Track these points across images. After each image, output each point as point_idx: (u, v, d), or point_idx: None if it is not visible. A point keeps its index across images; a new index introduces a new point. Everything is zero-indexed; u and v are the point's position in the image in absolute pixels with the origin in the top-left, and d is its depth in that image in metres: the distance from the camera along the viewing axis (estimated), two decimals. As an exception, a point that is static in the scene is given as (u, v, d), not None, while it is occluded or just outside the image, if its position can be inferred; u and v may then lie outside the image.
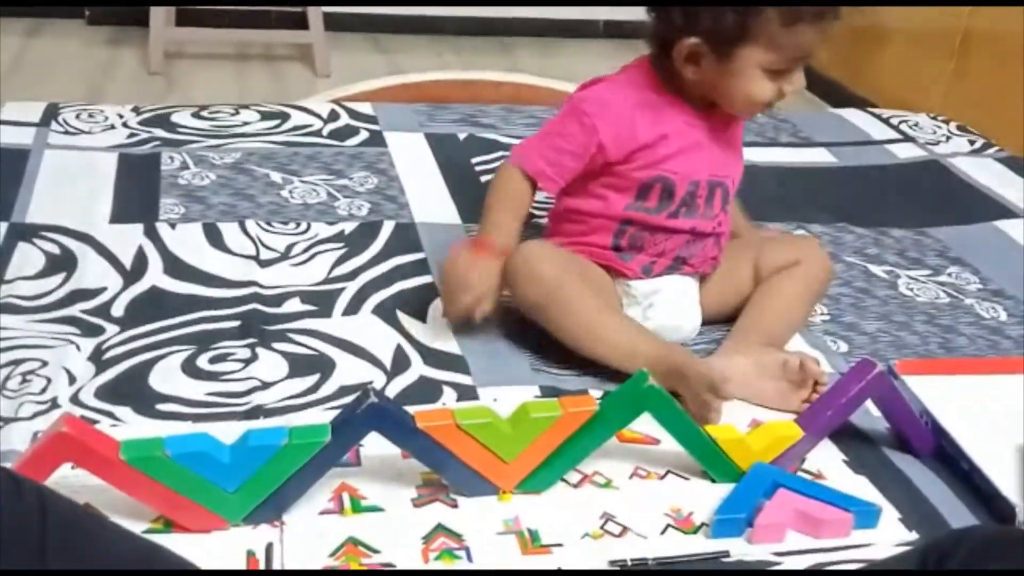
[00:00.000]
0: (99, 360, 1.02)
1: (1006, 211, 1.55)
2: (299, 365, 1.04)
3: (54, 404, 0.95)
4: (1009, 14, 2.68)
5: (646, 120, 1.06)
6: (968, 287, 1.33)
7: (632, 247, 1.10)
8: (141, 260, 1.20)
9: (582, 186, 1.10)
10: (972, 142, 1.80)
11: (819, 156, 1.71)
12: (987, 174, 1.67)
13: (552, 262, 1.05)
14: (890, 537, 0.86)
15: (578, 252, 1.11)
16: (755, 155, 1.60)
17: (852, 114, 1.92)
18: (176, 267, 1.20)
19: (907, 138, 1.80)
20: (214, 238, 1.27)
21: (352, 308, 1.15)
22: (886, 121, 1.87)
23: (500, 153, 1.57)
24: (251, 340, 1.07)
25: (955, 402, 1.00)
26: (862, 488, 0.92)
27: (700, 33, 1.01)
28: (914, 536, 0.87)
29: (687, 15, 1.02)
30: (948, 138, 1.81)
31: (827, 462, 0.95)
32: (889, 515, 0.89)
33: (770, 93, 1.04)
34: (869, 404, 0.98)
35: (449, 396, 1.02)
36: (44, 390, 0.97)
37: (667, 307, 1.11)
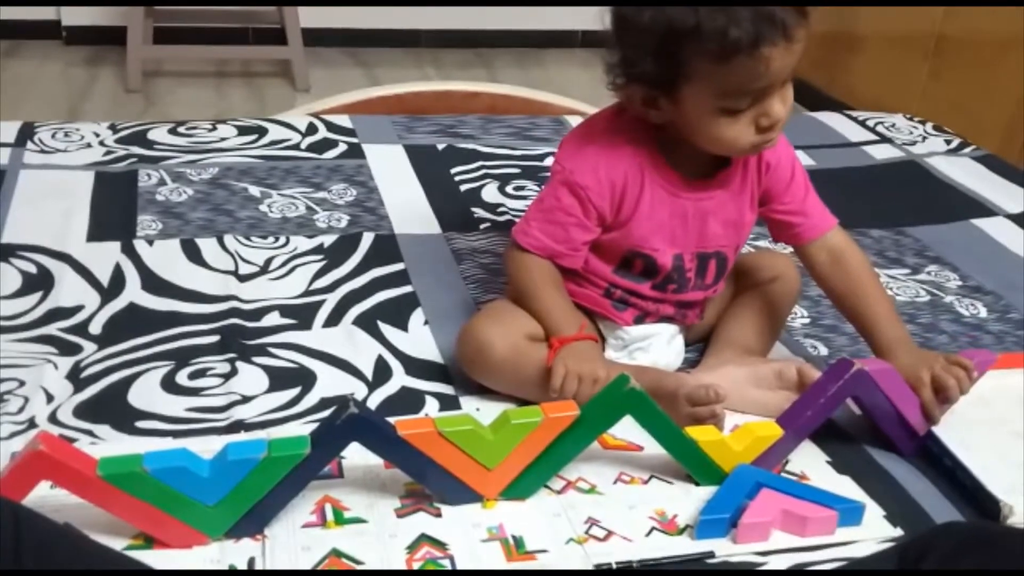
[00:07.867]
0: (77, 378, 1.01)
1: (983, 209, 1.56)
2: (279, 379, 1.03)
3: (32, 424, 0.94)
4: (983, 16, 2.71)
5: (633, 192, 1.00)
6: (948, 284, 1.34)
7: (623, 302, 1.06)
8: (118, 277, 1.20)
9: None
10: (948, 141, 1.81)
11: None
12: (964, 173, 1.69)
13: (503, 338, 0.99)
14: (875, 534, 0.86)
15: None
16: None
17: (829, 117, 1.93)
18: (154, 283, 1.19)
19: (884, 139, 1.81)
20: (192, 254, 1.26)
21: (332, 320, 1.15)
22: (862, 123, 1.88)
23: (479, 163, 1.57)
24: (231, 355, 1.06)
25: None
26: (846, 487, 0.92)
27: (639, 79, 0.95)
28: (899, 532, 0.87)
29: (624, 61, 0.95)
30: (924, 138, 1.82)
31: (811, 464, 0.95)
32: (873, 512, 0.89)
33: (740, 130, 0.94)
34: (853, 404, 0.98)
35: (431, 406, 1.01)
36: (22, 409, 0.96)
37: (654, 351, 1.08)
